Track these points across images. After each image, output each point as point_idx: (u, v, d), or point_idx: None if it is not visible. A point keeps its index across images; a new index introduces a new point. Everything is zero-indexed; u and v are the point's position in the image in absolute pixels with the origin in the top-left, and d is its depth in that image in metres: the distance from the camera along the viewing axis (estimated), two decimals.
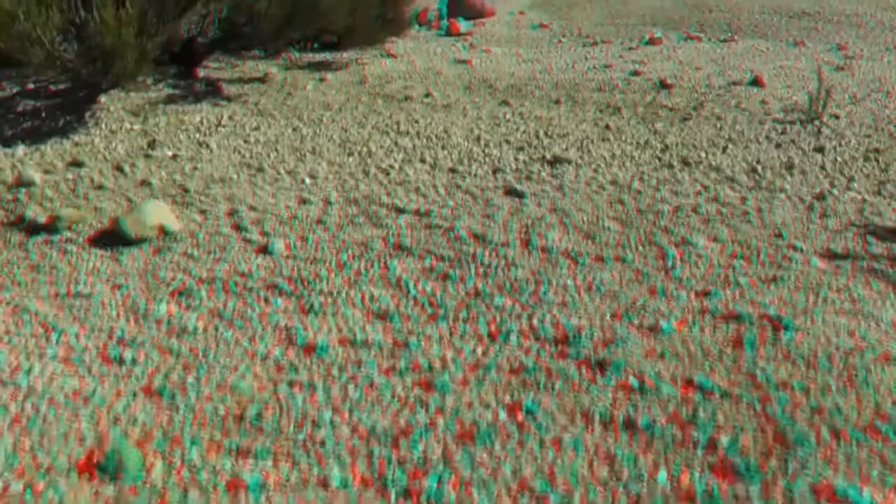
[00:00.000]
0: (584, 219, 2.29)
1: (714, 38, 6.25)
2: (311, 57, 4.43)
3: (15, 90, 3.44)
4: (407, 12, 4.35)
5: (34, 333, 1.70)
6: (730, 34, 6.34)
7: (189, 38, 3.74)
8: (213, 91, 3.56)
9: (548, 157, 2.83)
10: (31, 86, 3.46)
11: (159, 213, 2.22)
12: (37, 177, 2.49)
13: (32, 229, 2.24)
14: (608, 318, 1.71)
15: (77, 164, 2.67)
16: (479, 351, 1.61)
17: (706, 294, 1.83)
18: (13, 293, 1.90)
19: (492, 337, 1.66)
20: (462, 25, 7.13)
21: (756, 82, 4.06)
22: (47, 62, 2.88)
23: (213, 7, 3.51)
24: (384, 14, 4.18)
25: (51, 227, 2.23)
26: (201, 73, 3.80)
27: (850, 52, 5.35)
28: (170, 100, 3.42)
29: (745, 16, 6.93)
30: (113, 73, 2.92)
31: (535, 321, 1.71)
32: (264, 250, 2.12)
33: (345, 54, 4.72)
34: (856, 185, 2.62)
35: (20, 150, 2.79)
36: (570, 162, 2.77)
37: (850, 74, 4.44)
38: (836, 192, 2.55)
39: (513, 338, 1.65)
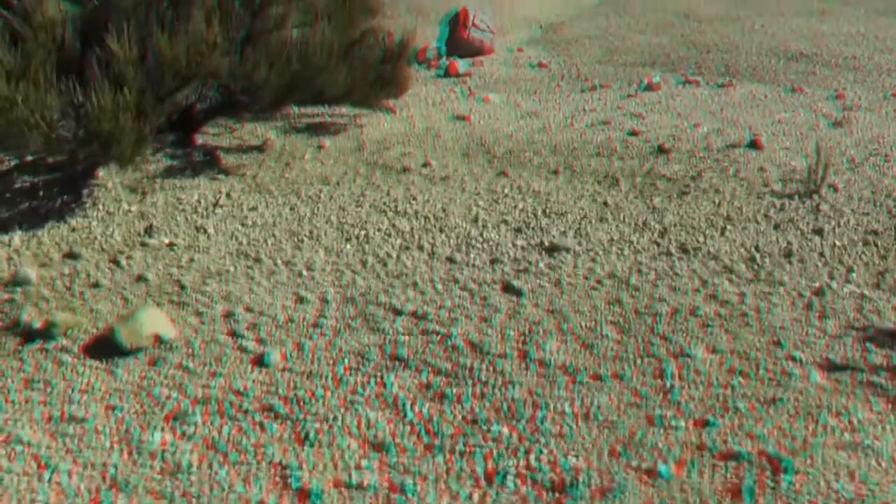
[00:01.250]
0: (583, 324, 2.28)
1: (712, 81, 6.26)
2: (309, 116, 4.44)
3: (13, 163, 3.44)
4: (406, 71, 4.35)
5: (26, 471, 1.69)
6: (728, 78, 6.35)
7: (188, 104, 3.74)
8: (210, 162, 3.56)
9: (545, 243, 2.82)
10: (29, 158, 3.45)
11: (155, 321, 2.21)
12: (32, 274, 2.49)
13: (28, 335, 2.23)
14: (606, 456, 1.70)
15: (73, 255, 2.66)
16: (476, 497, 1.59)
17: (705, 424, 1.81)
18: (6, 416, 1.89)
19: (489, 478, 1.64)
20: (461, 65, 7.15)
21: (754, 144, 4.06)
22: (45, 146, 2.88)
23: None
24: (383, 75, 4.19)
25: (46, 334, 2.22)
26: (199, 139, 3.80)
27: (849, 101, 5.35)
28: (167, 173, 3.42)
29: (744, 57, 6.94)
30: (111, 156, 2.92)
31: (532, 459, 1.70)
32: (260, 361, 2.11)
33: (343, 109, 4.73)
34: (854, 276, 2.61)
35: (17, 238, 2.79)
36: (568, 250, 2.76)
37: (849, 131, 4.44)
38: (834, 285, 2.54)
39: (510, 480, 1.63)
